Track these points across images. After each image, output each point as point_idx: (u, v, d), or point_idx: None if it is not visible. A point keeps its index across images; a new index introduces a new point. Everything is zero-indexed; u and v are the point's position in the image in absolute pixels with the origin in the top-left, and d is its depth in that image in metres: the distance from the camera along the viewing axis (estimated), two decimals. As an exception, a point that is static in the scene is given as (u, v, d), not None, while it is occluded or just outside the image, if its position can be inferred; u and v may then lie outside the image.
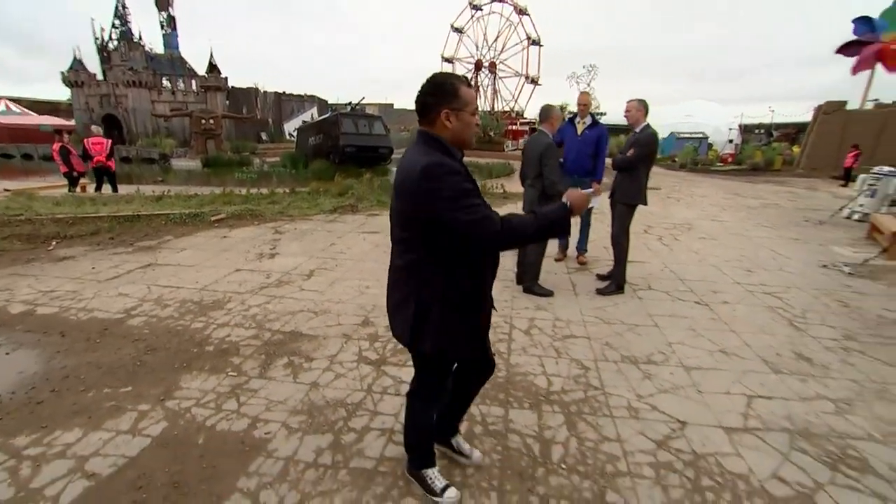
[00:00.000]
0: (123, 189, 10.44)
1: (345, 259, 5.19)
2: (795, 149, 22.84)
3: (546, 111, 3.98)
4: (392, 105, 48.53)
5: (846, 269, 5.24)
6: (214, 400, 2.52)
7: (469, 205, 1.39)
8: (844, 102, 18.86)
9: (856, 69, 17.07)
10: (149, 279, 4.43)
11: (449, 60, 35.28)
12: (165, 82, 38.00)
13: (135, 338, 3.23)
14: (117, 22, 40.96)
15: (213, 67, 33.34)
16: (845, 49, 17.37)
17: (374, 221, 7.26)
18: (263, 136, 34.29)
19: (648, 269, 5.02)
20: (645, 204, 4.08)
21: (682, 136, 27.30)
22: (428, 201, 1.39)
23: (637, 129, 3.99)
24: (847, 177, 14.46)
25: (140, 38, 40.44)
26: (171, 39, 41.70)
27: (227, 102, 35.78)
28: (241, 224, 6.87)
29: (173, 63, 39.26)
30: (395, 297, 1.64)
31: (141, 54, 37.34)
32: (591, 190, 1.62)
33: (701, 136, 27.34)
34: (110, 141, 10.03)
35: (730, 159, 22.86)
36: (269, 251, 5.47)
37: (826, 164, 17.64)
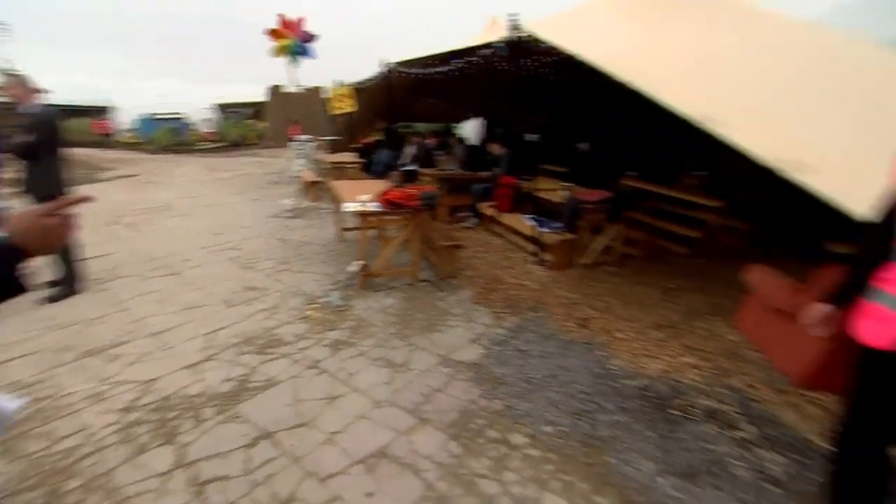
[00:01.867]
0: None
1: None
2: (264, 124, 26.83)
3: None
4: None
5: (287, 214, 7.01)
6: None
7: None
8: (282, 85, 23.54)
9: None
10: None
11: None
12: None
13: None
14: None
15: None
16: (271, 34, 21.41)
17: None
18: None
19: (117, 259, 4.84)
20: (62, 193, 3.81)
21: (159, 117, 26.15)
22: None
23: (30, 110, 3.55)
24: (296, 145, 18.67)
25: None
26: None
27: None
28: None
29: None
30: None
31: None
32: None
33: (179, 116, 27.16)
34: None
35: (211, 137, 24.22)
36: None
37: (283, 136, 21.87)
